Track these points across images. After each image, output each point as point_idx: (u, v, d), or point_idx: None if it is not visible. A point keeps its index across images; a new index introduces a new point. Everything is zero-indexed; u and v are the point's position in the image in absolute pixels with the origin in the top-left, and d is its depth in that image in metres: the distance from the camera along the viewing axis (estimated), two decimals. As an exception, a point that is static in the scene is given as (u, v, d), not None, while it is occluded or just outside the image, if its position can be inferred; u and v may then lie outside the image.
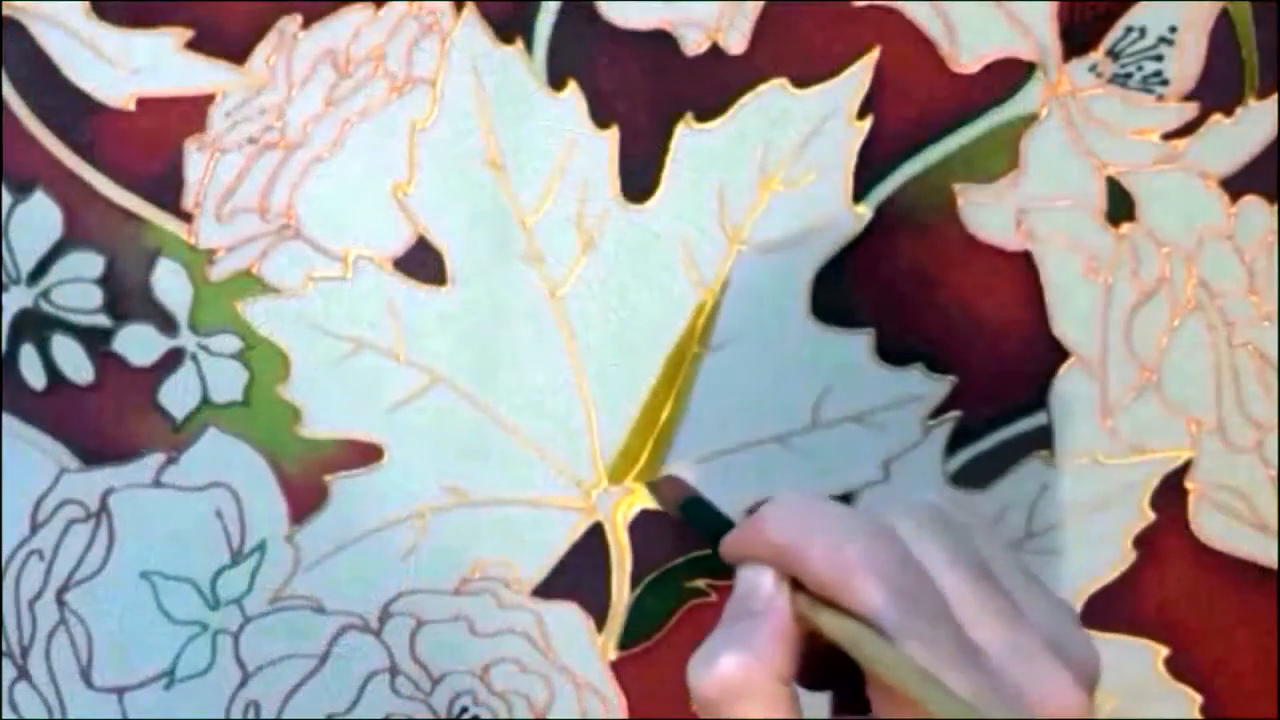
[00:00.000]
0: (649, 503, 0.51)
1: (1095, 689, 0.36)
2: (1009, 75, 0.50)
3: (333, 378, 0.50)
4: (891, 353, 0.51)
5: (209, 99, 0.49)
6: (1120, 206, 0.51)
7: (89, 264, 0.49)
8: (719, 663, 0.36)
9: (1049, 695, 0.34)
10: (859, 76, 0.50)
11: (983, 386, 0.51)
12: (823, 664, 0.37)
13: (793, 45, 0.50)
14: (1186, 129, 0.51)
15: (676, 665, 0.51)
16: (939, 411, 0.51)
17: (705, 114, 0.50)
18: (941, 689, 0.33)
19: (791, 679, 0.36)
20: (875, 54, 0.50)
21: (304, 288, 0.49)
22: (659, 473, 0.51)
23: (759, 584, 0.37)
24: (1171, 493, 0.52)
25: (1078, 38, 0.50)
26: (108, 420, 0.49)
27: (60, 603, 0.50)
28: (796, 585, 0.36)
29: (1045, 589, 0.37)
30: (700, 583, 0.51)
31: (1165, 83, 0.50)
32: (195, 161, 0.49)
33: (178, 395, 0.49)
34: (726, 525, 0.42)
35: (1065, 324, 0.51)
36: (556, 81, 0.49)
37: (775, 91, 0.50)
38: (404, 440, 0.50)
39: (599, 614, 0.51)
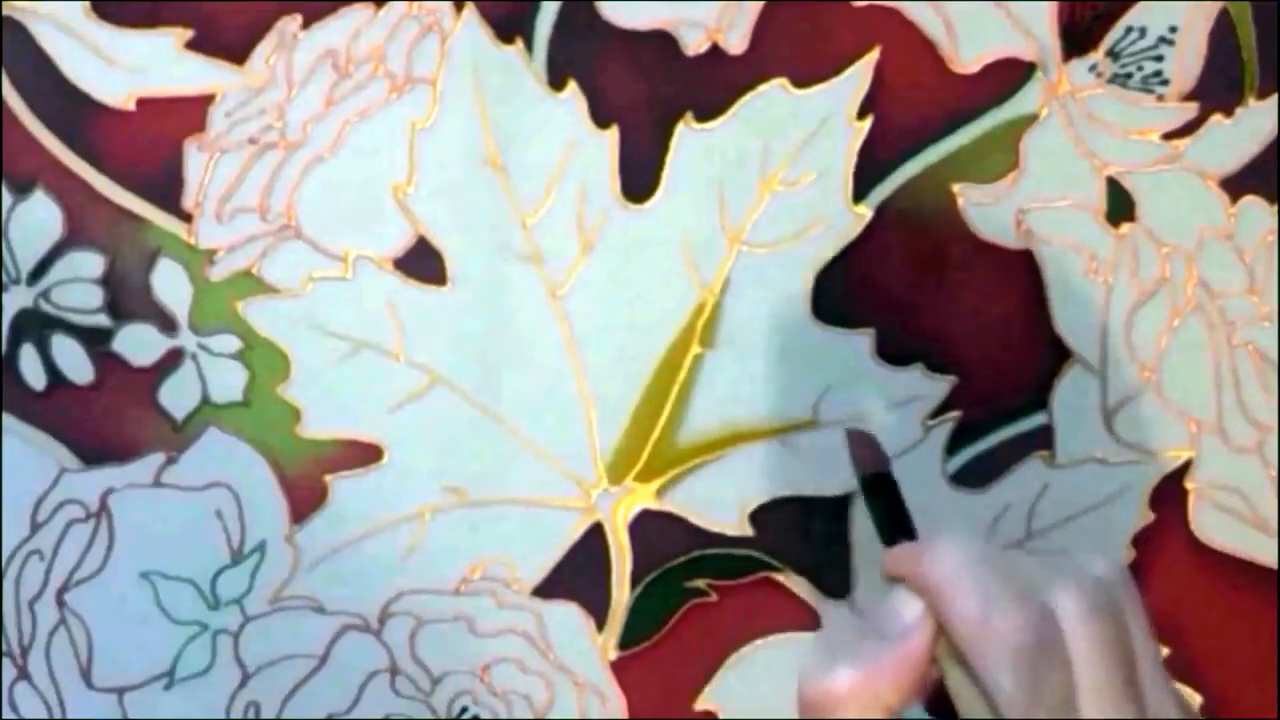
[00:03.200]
0: (649, 503, 0.51)
1: None
2: (1009, 75, 0.50)
3: (333, 378, 0.50)
4: (891, 353, 0.51)
5: (209, 99, 0.49)
6: (1120, 206, 0.51)
7: (89, 264, 0.49)
8: (836, 672, 0.35)
9: None
10: (859, 76, 0.50)
11: (983, 386, 0.51)
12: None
13: (793, 45, 0.49)
14: (1186, 129, 0.51)
15: (676, 665, 0.51)
16: (939, 411, 0.51)
17: (705, 114, 0.50)
18: None
19: (899, 712, 0.36)
20: (875, 54, 0.50)
21: (304, 288, 0.49)
22: (659, 473, 0.51)
23: (905, 612, 0.36)
24: (1171, 493, 0.52)
25: (1078, 38, 0.50)
26: (108, 420, 0.49)
27: (60, 603, 0.50)
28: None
29: (1173, 689, 0.37)
30: (700, 583, 0.51)
31: (1165, 83, 0.50)
32: (195, 161, 0.49)
33: (178, 395, 0.49)
34: (901, 520, 0.41)
35: (1065, 324, 0.51)
36: (556, 81, 0.49)
37: (775, 91, 0.50)
38: (404, 440, 0.50)
39: (599, 614, 0.51)
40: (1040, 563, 0.37)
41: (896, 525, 0.40)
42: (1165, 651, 0.52)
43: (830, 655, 0.36)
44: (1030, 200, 0.51)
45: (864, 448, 0.44)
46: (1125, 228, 0.51)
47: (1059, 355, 0.51)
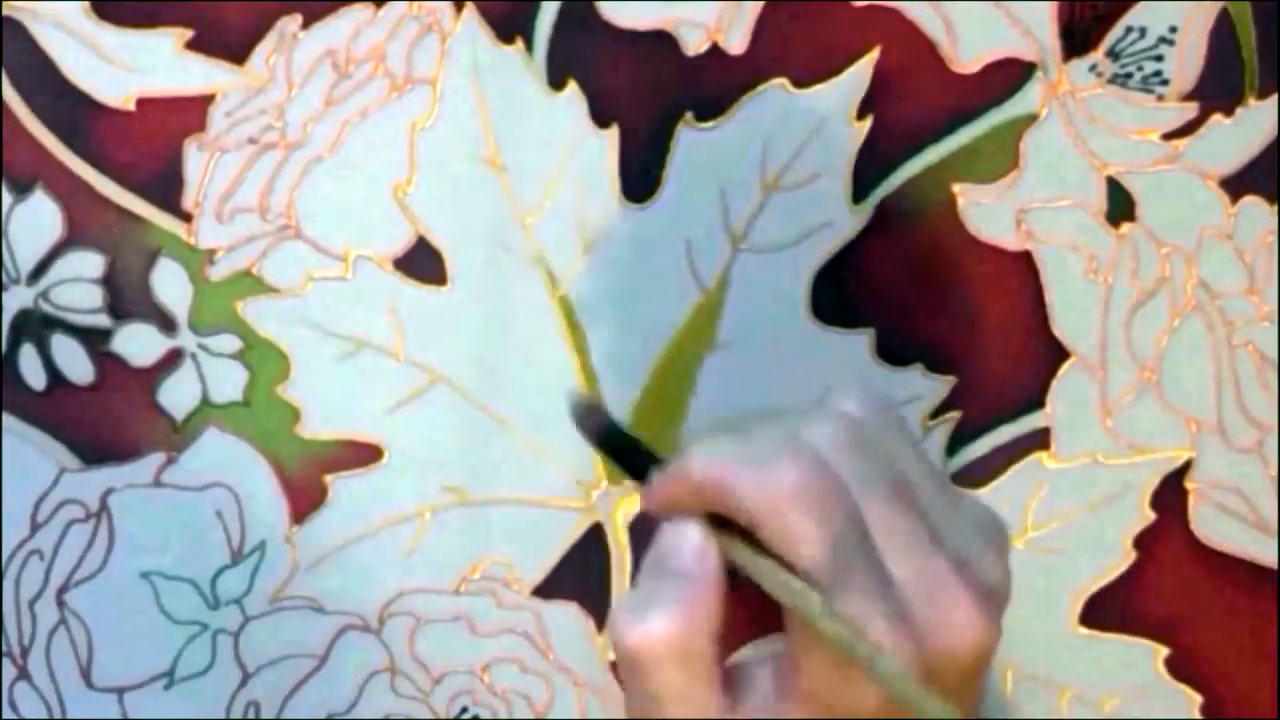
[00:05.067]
0: (649, 503, 0.51)
1: (1003, 610, 0.35)
2: (1009, 75, 0.50)
3: (333, 378, 0.50)
4: (891, 353, 0.51)
5: (209, 99, 0.49)
6: (1120, 206, 0.51)
7: (89, 264, 0.49)
8: (651, 621, 0.34)
9: (951, 625, 0.34)
10: (859, 76, 0.50)
11: (983, 386, 0.51)
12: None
13: (793, 45, 0.50)
14: (1186, 129, 0.51)
15: (676, 665, 0.51)
16: (939, 411, 0.51)
17: (705, 114, 0.50)
18: (872, 649, 0.32)
19: (722, 638, 0.35)
20: (875, 54, 0.50)
21: (304, 288, 0.49)
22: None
23: (686, 539, 0.35)
24: (1171, 493, 0.52)
25: (1078, 38, 0.50)
26: (108, 420, 0.49)
27: (60, 603, 0.50)
28: (718, 524, 0.35)
29: (966, 502, 0.36)
30: (700, 583, 0.51)
31: (1165, 83, 0.50)
32: (195, 161, 0.49)
33: (178, 395, 0.49)
34: (648, 459, 0.38)
35: (1065, 324, 0.51)
36: (556, 81, 0.49)
37: (775, 91, 0.50)
38: (404, 440, 0.50)
39: (599, 614, 0.51)
40: (792, 416, 0.36)
41: (645, 464, 0.38)
42: (1165, 652, 0.52)
43: (636, 607, 0.35)
44: (1030, 200, 0.51)
45: (588, 414, 0.43)
46: (1125, 228, 0.51)
47: (1059, 355, 0.51)
